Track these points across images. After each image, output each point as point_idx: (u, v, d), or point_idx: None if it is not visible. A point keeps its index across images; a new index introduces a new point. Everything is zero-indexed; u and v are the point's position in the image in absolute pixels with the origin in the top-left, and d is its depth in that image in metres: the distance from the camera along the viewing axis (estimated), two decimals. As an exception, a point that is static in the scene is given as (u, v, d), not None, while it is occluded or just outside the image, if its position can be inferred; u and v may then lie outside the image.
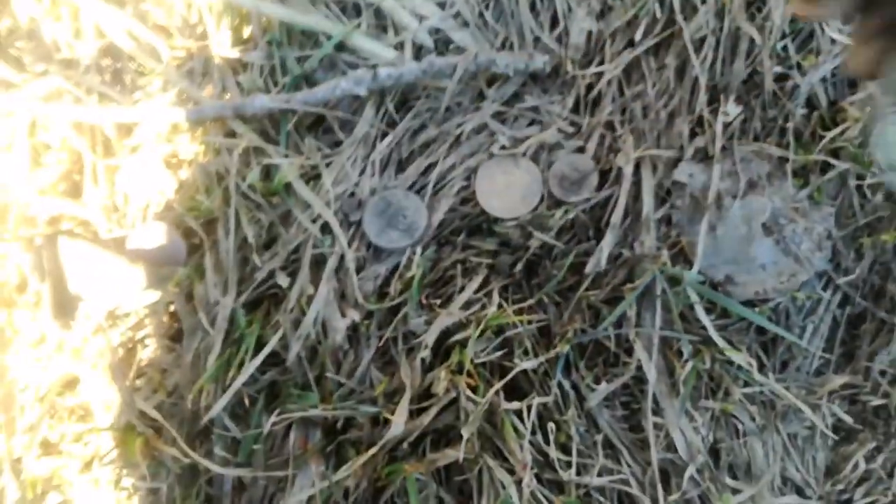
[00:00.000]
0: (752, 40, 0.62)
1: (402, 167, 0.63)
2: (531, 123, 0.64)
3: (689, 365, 0.54)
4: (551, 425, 0.53)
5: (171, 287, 0.60)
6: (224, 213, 0.62)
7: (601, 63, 0.63)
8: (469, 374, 0.55)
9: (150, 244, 0.61)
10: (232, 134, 0.64)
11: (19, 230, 0.65)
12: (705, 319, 0.55)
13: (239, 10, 0.66)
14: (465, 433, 0.52)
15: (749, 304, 0.57)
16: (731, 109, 0.61)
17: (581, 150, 0.62)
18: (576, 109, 0.64)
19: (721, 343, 0.54)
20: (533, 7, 0.65)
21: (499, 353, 0.56)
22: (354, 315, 0.59)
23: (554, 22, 0.65)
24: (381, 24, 0.66)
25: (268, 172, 0.63)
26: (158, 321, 0.61)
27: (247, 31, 0.66)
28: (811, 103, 0.62)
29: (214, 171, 0.63)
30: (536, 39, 0.64)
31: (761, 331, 0.57)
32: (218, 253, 0.61)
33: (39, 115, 0.67)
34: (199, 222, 0.62)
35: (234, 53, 0.66)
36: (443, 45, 0.65)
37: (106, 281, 0.61)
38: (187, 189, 0.64)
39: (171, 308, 0.61)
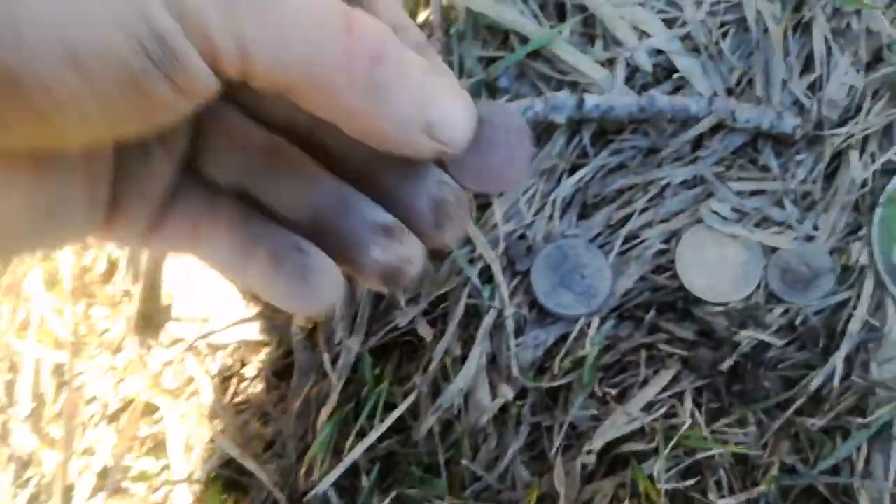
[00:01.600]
0: None
1: (585, 213, 0.51)
2: (755, 192, 0.51)
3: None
4: None
5: (290, 319, 0.49)
6: (362, 233, 0.50)
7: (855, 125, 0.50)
8: (650, 501, 0.43)
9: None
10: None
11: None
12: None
13: (418, -11, 0.54)
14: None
15: None
16: None
17: (811, 238, 0.50)
18: (812, 180, 0.51)
19: None
20: (784, 43, 0.52)
21: (688, 483, 0.44)
22: (507, 393, 0.47)
23: (807, 67, 0.52)
24: (589, 33, 0.53)
25: (421, 191, 0.51)
26: (263, 353, 0.50)
27: (423, 15, 0.54)
28: None
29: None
30: (783, 84, 0.51)
31: None
32: (350, 284, 0.50)
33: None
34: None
35: (401, 37, 0.54)
36: (662, 71, 0.52)
37: (209, 299, 0.50)
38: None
39: (279, 339, 0.50)
